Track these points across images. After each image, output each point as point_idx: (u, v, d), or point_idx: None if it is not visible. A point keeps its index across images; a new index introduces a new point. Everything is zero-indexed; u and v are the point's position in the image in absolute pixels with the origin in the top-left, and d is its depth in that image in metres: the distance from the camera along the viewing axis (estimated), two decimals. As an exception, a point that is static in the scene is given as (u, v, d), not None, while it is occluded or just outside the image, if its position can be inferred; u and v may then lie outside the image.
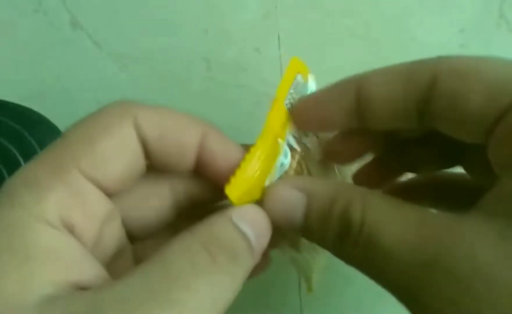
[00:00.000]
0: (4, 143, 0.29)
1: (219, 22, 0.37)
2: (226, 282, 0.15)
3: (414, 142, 0.22)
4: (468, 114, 0.16)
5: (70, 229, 0.16)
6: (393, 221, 0.16)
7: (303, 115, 0.20)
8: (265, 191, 0.19)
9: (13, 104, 0.33)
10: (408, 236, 0.15)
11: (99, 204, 0.17)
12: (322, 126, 0.20)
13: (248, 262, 0.17)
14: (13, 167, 0.28)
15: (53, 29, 0.37)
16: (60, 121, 0.34)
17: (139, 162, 0.18)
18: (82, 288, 0.15)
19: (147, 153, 0.18)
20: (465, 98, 0.16)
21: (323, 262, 0.25)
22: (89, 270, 0.15)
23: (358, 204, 0.16)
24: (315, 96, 0.20)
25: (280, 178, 0.21)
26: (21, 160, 0.29)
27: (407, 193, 0.23)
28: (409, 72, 0.18)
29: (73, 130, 0.17)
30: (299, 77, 0.22)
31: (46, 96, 0.36)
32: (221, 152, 0.19)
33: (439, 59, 0.17)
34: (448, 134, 0.17)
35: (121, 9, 0.37)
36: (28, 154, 0.29)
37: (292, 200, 0.18)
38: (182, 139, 0.18)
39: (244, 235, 0.17)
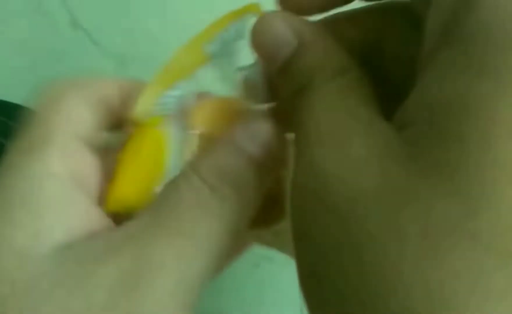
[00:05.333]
0: (3, 142, 0.29)
1: (219, 22, 0.37)
2: (230, 211, 0.15)
3: None
4: None
5: (78, 182, 0.16)
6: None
7: None
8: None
9: (13, 104, 0.33)
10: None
11: (95, 162, 0.18)
12: None
13: (255, 184, 0.16)
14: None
15: (53, 29, 0.37)
16: (59, 121, 0.34)
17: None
18: (93, 235, 0.15)
19: None
20: None
21: None
22: (98, 219, 0.16)
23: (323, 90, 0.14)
24: None
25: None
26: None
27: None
28: None
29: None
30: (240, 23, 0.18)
31: (46, 96, 0.36)
32: None
33: None
34: None
35: (120, 9, 0.37)
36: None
37: (281, 38, 0.16)
38: None
39: (249, 157, 0.16)
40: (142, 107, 0.17)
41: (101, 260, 0.14)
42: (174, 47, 0.39)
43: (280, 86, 0.16)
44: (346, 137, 0.13)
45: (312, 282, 0.13)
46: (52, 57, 0.37)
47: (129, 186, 0.17)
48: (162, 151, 0.17)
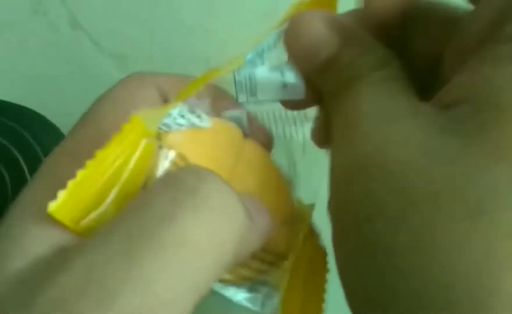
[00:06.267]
0: (3, 142, 0.29)
1: (220, 22, 0.37)
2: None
3: None
4: None
5: None
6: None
7: None
8: None
9: (12, 103, 0.33)
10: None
11: None
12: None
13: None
14: (12, 165, 0.28)
15: (53, 29, 0.37)
16: (59, 121, 0.34)
17: None
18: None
19: None
20: None
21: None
22: None
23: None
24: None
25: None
26: (20, 158, 0.29)
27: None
28: None
29: (104, 100, 0.18)
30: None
31: (45, 96, 0.36)
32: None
33: None
34: None
35: (120, 9, 0.37)
36: (27, 153, 0.29)
37: (323, 39, 0.16)
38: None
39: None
40: (155, 115, 0.16)
41: (50, 279, 0.12)
42: (174, 47, 0.39)
43: (319, 84, 0.17)
44: (392, 117, 0.14)
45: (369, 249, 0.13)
46: (52, 57, 0.36)
47: (87, 192, 0.14)
48: (144, 167, 0.15)
